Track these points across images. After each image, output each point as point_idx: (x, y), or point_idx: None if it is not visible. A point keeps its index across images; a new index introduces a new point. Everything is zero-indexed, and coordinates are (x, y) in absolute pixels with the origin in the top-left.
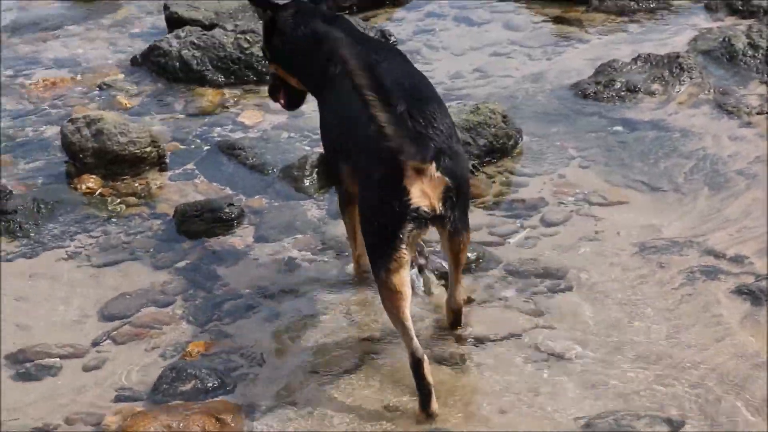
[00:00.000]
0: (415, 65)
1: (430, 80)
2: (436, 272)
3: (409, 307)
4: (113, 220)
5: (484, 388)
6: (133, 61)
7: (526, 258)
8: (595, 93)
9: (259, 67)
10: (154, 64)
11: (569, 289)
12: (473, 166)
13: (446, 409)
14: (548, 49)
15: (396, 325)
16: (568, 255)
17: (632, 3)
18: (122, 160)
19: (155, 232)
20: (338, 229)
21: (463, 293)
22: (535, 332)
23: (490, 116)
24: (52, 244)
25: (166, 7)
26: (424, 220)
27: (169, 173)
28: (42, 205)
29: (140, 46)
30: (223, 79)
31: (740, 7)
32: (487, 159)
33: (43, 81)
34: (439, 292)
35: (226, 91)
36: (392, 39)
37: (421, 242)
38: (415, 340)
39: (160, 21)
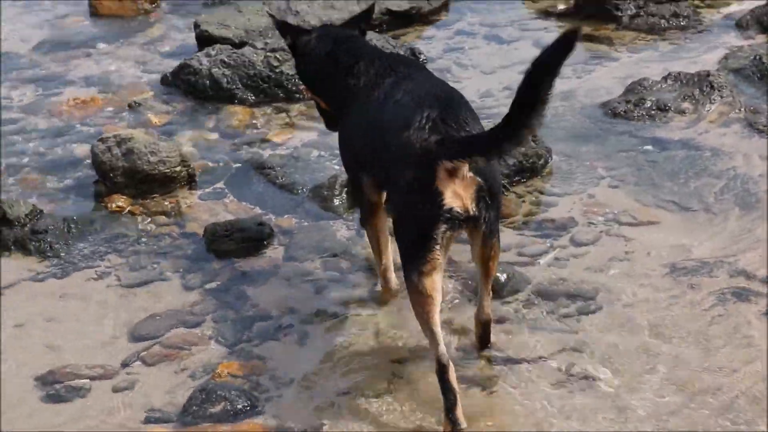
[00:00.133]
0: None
1: None
2: None
3: (438, 313)
4: (143, 239)
5: (514, 411)
6: (164, 80)
7: (555, 278)
8: (625, 112)
9: (289, 86)
10: (185, 83)
11: (599, 310)
12: (502, 185)
13: None
14: (578, 67)
15: (424, 329)
16: (598, 275)
17: (662, 21)
18: (152, 179)
19: (185, 252)
20: (368, 249)
21: (489, 303)
22: (564, 354)
23: None
24: (82, 264)
25: (196, 26)
26: (457, 221)
27: (198, 192)
28: (72, 225)
29: (170, 64)
30: (253, 98)
31: None
32: (516, 178)
33: (74, 100)
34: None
35: (256, 109)
36: (422, 57)
37: None
38: (442, 345)
39: (191, 39)
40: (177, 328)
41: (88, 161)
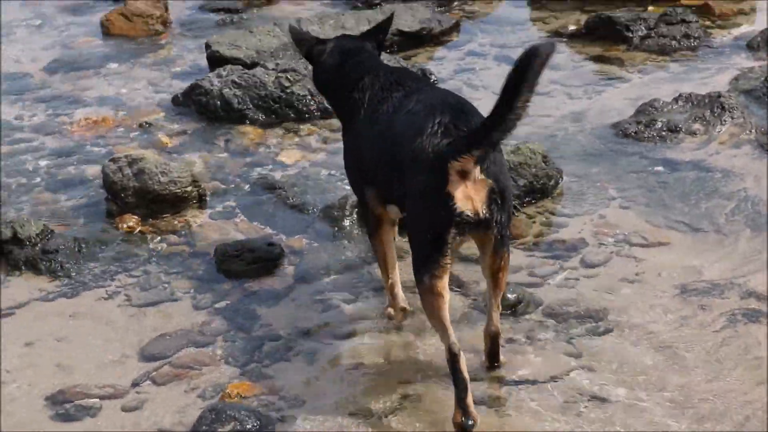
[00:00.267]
0: None
1: None
2: None
3: (448, 308)
4: (153, 259)
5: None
6: (175, 100)
7: (566, 299)
8: (635, 133)
9: (300, 106)
10: (196, 103)
11: (610, 331)
12: (513, 206)
13: None
14: (589, 88)
15: (435, 325)
16: (609, 296)
17: (673, 42)
18: (163, 199)
19: (195, 272)
20: (378, 269)
21: (498, 316)
22: (575, 375)
23: (530, 156)
24: (92, 284)
25: (207, 46)
26: (468, 224)
27: (209, 212)
28: (83, 245)
29: (182, 85)
30: (263, 118)
31: None
32: (527, 199)
33: (85, 120)
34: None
35: (267, 129)
36: (433, 78)
37: None
38: (453, 336)
39: (202, 60)
40: (187, 348)
41: (99, 181)
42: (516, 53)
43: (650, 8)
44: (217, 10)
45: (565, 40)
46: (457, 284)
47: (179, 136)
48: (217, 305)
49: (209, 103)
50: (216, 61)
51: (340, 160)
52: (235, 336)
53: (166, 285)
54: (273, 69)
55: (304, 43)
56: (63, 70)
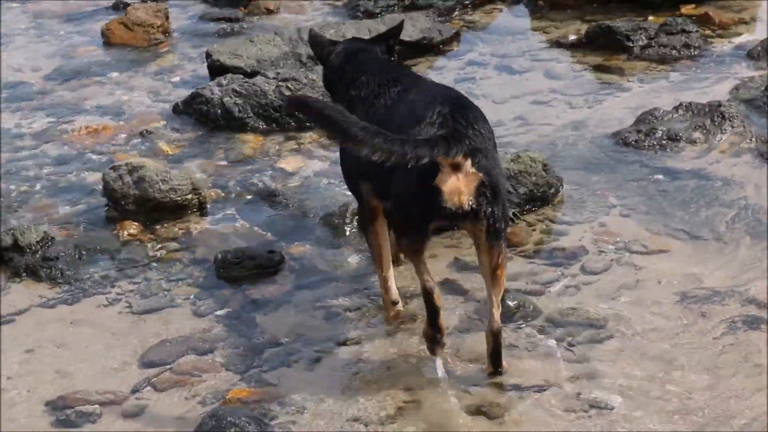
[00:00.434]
0: None
1: None
2: None
3: (425, 257)
4: (154, 265)
5: None
6: (175, 109)
7: (566, 307)
8: (636, 141)
9: (300, 115)
10: (196, 112)
11: (610, 338)
12: (513, 214)
13: None
14: (589, 97)
15: (415, 269)
16: (609, 304)
17: (673, 51)
18: (163, 207)
19: (195, 279)
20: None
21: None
22: (575, 382)
23: (530, 165)
24: (93, 291)
25: (208, 55)
26: (453, 216)
27: (209, 219)
28: (83, 252)
29: (182, 93)
30: (264, 126)
31: None
32: (527, 207)
33: (86, 128)
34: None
35: (268, 138)
36: None
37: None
38: (428, 275)
39: (202, 69)
40: (187, 355)
41: (100, 188)
42: (517, 63)
43: (650, 18)
44: (217, 19)
45: (565, 49)
46: (458, 292)
47: (180, 144)
48: (217, 312)
49: (210, 111)
50: (216, 69)
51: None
52: (235, 342)
53: (167, 292)
54: (273, 78)
55: (318, 46)
56: (64, 78)
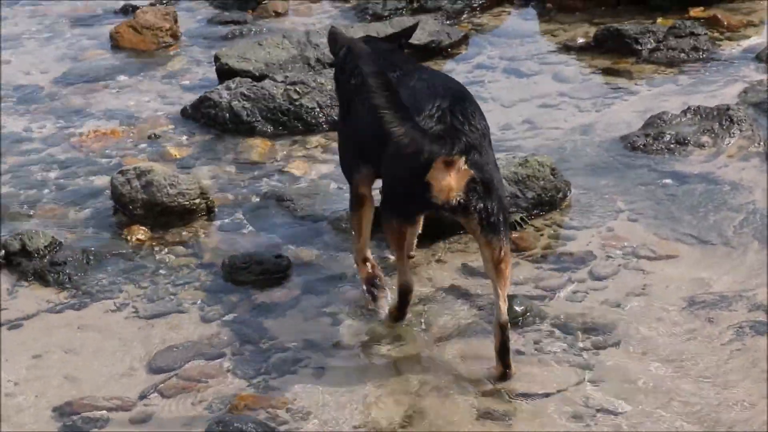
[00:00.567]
0: None
1: None
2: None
3: (405, 244)
4: (161, 270)
5: None
6: (184, 113)
7: (574, 312)
8: (644, 145)
9: (309, 119)
10: (205, 116)
11: (617, 344)
12: (521, 218)
13: None
14: (597, 100)
15: (394, 252)
16: (617, 309)
17: (682, 54)
18: (171, 211)
19: (203, 284)
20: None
21: (505, 306)
22: (582, 388)
23: (538, 169)
24: (100, 295)
25: (216, 59)
26: (442, 209)
27: (217, 223)
28: (91, 256)
29: (191, 97)
30: (272, 130)
31: None
32: (535, 212)
33: (94, 132)
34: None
35: (276, 142)
36: None
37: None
38: (408, 271)
39: (211, 72)
40: (195, 360)
41: (108, 192)
42: (525, 66)
43: (659, 21)
44: (226, 23)
45: (574, 52)
46: (465, 297)
47: (188, 148)
48: (225, 317)
49: (218, 115)
50: (225, 73)
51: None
52: (242, 348)
53: (174, 297)
54: (282, 81)
55: (334, 42)
56: (72, 82)
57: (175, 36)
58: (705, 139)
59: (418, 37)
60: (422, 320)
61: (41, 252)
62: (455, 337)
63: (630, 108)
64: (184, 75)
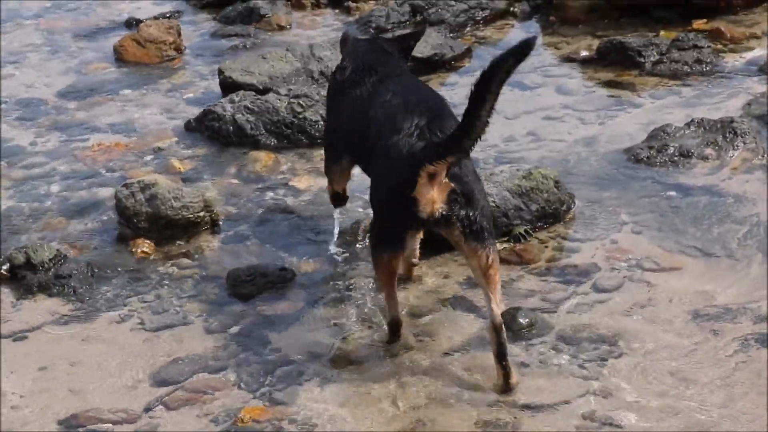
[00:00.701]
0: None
1: (482, 141)
2: None
3: (396, 279)
4: (166, 283)
5: None
6: (188, 126)
7: (578, 324)
8: (648, 158)
9: (312, 132)
10: (208, 129)
11: (621, 355)
12: (525, 231)
13: None
14: (601, 113)
15: (384, 291)
16: (621, 321)
17: (685, 67)
18: (176, 224)
19: (207, 296)
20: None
21: (500, 306)
22: (587, 400)
23: (542, 181)
24: (105, 308)
25: (220, 72)
26: (426, 223)
27: (221, 236)
28: (95, 269)
29: (194, 110)
30: (276, 143)
31: None
32: (539, 224)
33: (98, 145)
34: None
35: (280, 155)
36: None
37: None
38: (397, 307)
39: (215, 86)
40: (200, 373)
41: (112, 205)
42: (528, 78)
43: (662, 33)
44: (229, 36)
45: (577, 65)
46: (469, 310)
47: (192, 161)
48: (229, 329)
49: (222, 128)
50: (229, 86)
51: (351, 185)
52: (247, 360)
53: (179, 309)
54: (285, 95)
55: (344, 44)
56: (76, 95)
57: (178, 49)
58: (709, 151)
59: (421, 51)
60: (427, 332)
61: (46, 265)
62: (460, 349)
63: (633, 120)
64: (188, 88)
